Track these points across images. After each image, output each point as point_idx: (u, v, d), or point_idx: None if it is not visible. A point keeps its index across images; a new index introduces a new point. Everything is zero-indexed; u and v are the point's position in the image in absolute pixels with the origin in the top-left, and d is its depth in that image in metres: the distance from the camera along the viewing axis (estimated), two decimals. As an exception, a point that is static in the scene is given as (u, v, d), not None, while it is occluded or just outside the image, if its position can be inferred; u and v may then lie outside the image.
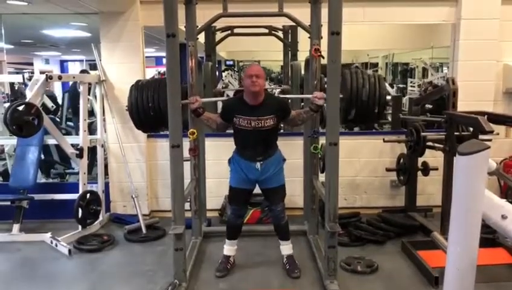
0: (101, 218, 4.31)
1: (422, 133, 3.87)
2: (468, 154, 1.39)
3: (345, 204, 4.50)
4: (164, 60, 2.87)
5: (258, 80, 2.98)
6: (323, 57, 3.25)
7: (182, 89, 2.97)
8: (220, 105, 5.33)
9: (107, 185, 4.55)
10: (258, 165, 3.13)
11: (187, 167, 3.35)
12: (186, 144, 3.07)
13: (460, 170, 1.45)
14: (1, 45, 5.97)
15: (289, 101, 4.86)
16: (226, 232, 3.38)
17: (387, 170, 4.44)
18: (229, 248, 3.34)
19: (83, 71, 5.45)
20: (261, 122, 3.04)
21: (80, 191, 4.06)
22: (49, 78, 3.78)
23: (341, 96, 2.96)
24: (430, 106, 5.74)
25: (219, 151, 3.96)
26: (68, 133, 5.87)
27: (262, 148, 3.13)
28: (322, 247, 3.37)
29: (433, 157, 4.07)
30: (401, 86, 10.31)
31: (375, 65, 12.37)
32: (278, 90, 6.23)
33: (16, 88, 6.91)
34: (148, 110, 3.11)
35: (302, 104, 4.51)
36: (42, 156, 4.82)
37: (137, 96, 3.14)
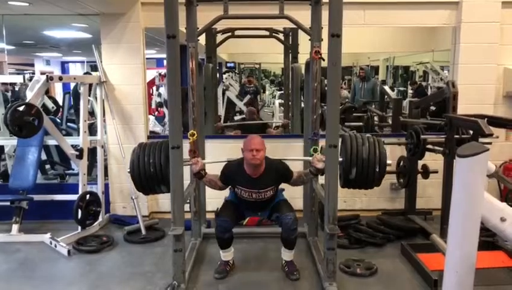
0: (100, 219, 4.31)
1: (422, 136, 3.88)
2: (467, 156, 1.39)
3: (345, 206, 4.50)
4: (165, 62, 2.87)
5: (259, 154, 3.05)
6: (323, 59, 3.25)
7: (182, 91, 2.98)
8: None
9: (106, 186, 4.55)
10: (259, 213, 3.42)
11: (187, 168, 3.35)
12: (186, 146, 3.07)
13: (460, 172, 1.45)
14: (2, 46, 5.97)
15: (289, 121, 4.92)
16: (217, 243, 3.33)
17: (387, 172, 4.43)
18: (224, 254, 3.33)
19: (86, 73, 5.47)
20: (262, 195, 3.20)
21: (80, 192, 4.06)
22: (49, 78, 3.79)
23: (340, 159, 3.00)
24: (433, 108, 5.76)
25: (219, 153, 3.96)
26: (68, 134, 5.88)
27: (263, 208, 3.35)
28: (322, 249, 3.37)
29: (433, 160, 4.07)
30: (401, 89, 10.33)
31: (376, 68, 12.37)
32: (279, 126, 6.19)
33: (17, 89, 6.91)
34: (149, 167, 3.09)
35: (302, 105, 4.50)
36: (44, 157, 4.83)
37: (140, 154, 3.13)
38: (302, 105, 4.77)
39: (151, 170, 3.07)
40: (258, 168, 3.14)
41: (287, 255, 3.32)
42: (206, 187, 4.06)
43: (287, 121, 5.57)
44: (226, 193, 3.53)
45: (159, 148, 3.10)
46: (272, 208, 3.35)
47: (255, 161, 3.06)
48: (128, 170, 3.17)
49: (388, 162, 3.06)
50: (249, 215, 3.41)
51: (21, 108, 3.44)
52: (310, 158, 3.16)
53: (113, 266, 3.52)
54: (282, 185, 3.39)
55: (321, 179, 3.41)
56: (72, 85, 6.56)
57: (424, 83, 9.48)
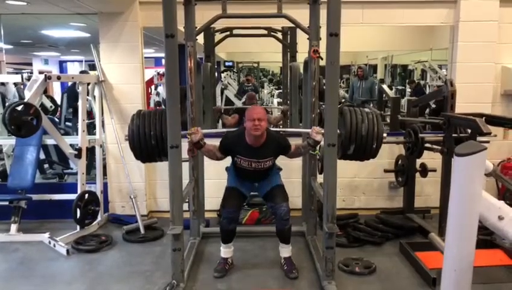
0: (99, 218, 4.31)
1: (421, 135, 3.88)
2: (465, 155, 1.40)
3: (343, 205, 4.51)
4: (163, 61, 2.87)
5: (261, 123, 3.03)
6: (322, 58, 3.26)
7: (181, 90, 2.97)
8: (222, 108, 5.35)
9: (105, 185, 4.55)
10: (256, 184, 3.35)
11: (186, 167, 3.36)
12: (184, 145, 3.07)
13: (458, 170, 1.46)
14: (0, 45, 5.95)
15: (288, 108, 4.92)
16: (220, 236, 3.37)
17: (386, 171, 4.45)
18: (225, 251, 3.34)
19: (82, 72, 5.46)
20: (261, 165, 3.20)
21: (79, 192, 4.05)
22: (47, 78, 3.78)
23: (338, 132, 3.01)
24: (434, 106, 5.78)
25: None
26: (67, 134, 5.87)
27: (261, 178, 3.33)
28: (320, 248, 3.38)
29: (432, 158, 4.07)
30: (399, 87, 10.33)
31: (375, 67, 12.38)
32: (276, 110, 6.20)
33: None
34: (149, 138, 3.08)
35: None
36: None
37: (139, 124, 3.12)
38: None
39: (152, 142, 3.08)
40: (259, 139, 3.12)
41: (284, 251, 3.33)
42: (205, 187, 4.08)
43: (286, 107, 5.55)
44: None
45: (159, 118, 3.09)
46: (267, 194, 3.32)
47: (256, 132, 3.04)
48: (126, 138, 3.17)
49: (384, 134, 3.16)
50: (247, 187, 3.36)
51: (19, 107, 3.43)
52: (309, 130, 3.18)
53: (112, 265, 3.52)
54: (279, 163, 3.42)
55: (320, 178, 3.42)
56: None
57: (422, 82, 9.50)
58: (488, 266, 3.25)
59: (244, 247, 3.73)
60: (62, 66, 15.06)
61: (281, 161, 3.43)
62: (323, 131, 2.94)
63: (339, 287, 2.94)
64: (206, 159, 4.09)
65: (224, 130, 3.42)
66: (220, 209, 3.56)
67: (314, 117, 3.54)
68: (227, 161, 3.40)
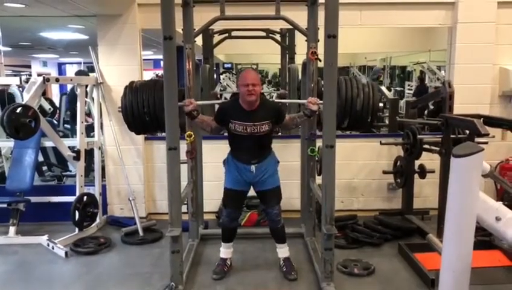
0: (98, 220, 4.30)
1: (419, 136, 3.89)
2: (463, 156, 1.40)
3: (342, 206, 4.51)
4: (162, 63, 2.87)
5: (255, 88, 3.01)
6: (320, 60, 3.26)
7: (179, 92, 2.97)
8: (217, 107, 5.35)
9: (104, 187, 4.54)
10: (253, 167, 3.17)
11: (184, 169, 3.36)
12: (183, 147, 3.07)
13: (455, 171, 1.46)
14: (-1, 47, 5.97)
15: (286, 104, 4.89)
16: (221, 235, 3.38)
17: (384, 172, 4.45)
18: (225, 251, 3.34)
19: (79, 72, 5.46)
20: (257, 128, 3.09)
21: (77, 194, 4.05)
22: (46, 80, 3.78)
23: None
24: (432, 107, 5.80)
25: (216, 154, 3.94)
26: (66, 136, 5.87)
27: (257, 151, 3.19)
28: (319, 249, 3.38)
29: (430, 159, 4.08)
30: (398, 89, 10.36)
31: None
32: (275, 95, 6.25)
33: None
34: (143, 114, 3.08)
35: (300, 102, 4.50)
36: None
37: (132, 100, 3.11)
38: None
39: (146, 119, 3.09)
40: (253, 102, 3.08)
41: (282, 251, 3.33)
42: (203, 188, 4.08)
43: (284, 91, 5.53)
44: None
45: (152, 92, 3.08)
46: (263, 194, 3.27)
47: (250, 97, 3.01)
48: (119, 109, 3.16)
49: (380, 104, 3.18)
50: (244, 176, 3.20)
51: (18, 110, 3.43)
52: (305, 101, 3.16)
53: (111, 267, 3.52)
54: (276, 152, 3.35)
55: (318, 179, 3.42)
56: (69, 87, 6.58)
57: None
58: (486, 267, 3.25)
59: (243, 249, 3.73)
60: (61, 68, 15.11)
61: (281, 161, 3.41)
62: (320, 101, 2.93)
63: (337, 288, 2.94)
64: (204, 161, 4.10)
65: (219, 101, 3.42)
66: (221, 208, 3.56)
67: (313, 119, 3.53)
68: (224, 153, 3.37)
